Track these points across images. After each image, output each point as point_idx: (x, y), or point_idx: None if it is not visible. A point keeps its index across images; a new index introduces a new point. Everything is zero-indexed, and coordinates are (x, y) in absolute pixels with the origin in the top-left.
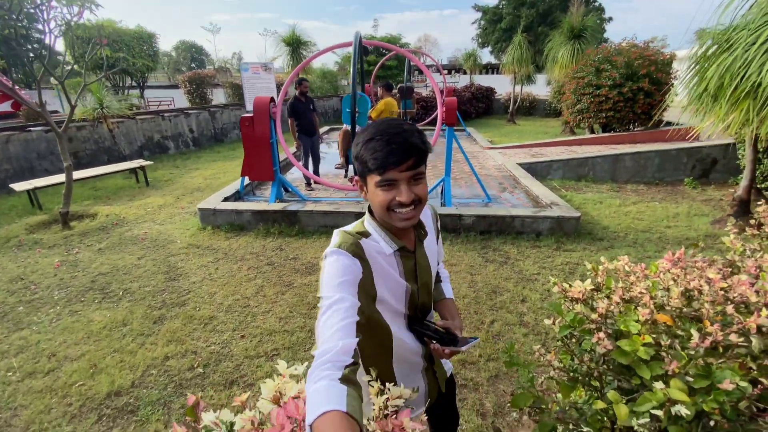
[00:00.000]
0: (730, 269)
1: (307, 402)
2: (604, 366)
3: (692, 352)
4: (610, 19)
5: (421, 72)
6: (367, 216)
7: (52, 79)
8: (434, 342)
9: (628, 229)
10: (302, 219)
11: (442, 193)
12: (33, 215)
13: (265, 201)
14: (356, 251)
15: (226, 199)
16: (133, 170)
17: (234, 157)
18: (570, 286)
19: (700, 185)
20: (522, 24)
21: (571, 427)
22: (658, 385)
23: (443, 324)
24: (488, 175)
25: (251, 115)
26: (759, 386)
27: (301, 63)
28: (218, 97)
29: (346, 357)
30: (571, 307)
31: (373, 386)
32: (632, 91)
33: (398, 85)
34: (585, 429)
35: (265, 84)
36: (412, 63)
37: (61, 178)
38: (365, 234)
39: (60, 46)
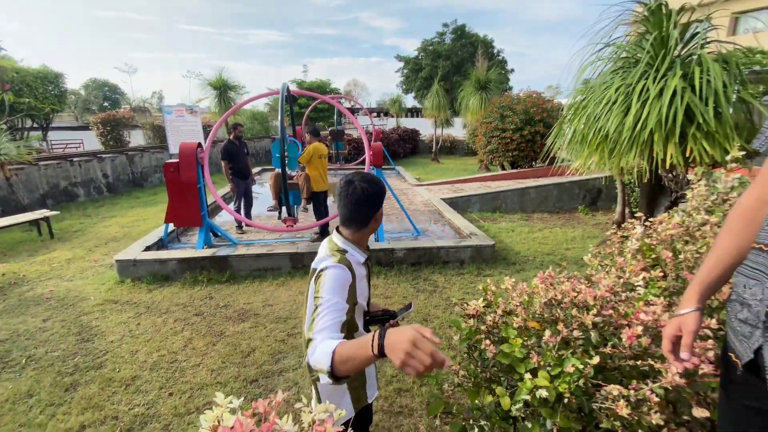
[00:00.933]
0: (587, 282)
1: (319, 354)
2: (495, 368)
3: (550, 347)
4: (513, 70)
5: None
6: (339, 239)
7: None
8: (387, 322)
9: (536, 252)
10: (233, 264)
11: None
12: None
13: (192, 247)
14: (349, 265)
15: (148, 248)
16: (34, 222)
17: (155, 202)
18: (467, 305)
19: (591, 212)
20: (439, 74)
21: (471, 422)
22: (528, 376)
23: (382, 309)
24: (416, 210)
25: (176, 161)
26: (586, 366)
27: (229, 110)
28: (136, 138)
29: (340, 335)
30: (467, 322)
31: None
32: (531, 134)
33: (330, 129)
34: (483, 423)
35: (190, 127)
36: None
37: None
38: (344, 251)
39: None
